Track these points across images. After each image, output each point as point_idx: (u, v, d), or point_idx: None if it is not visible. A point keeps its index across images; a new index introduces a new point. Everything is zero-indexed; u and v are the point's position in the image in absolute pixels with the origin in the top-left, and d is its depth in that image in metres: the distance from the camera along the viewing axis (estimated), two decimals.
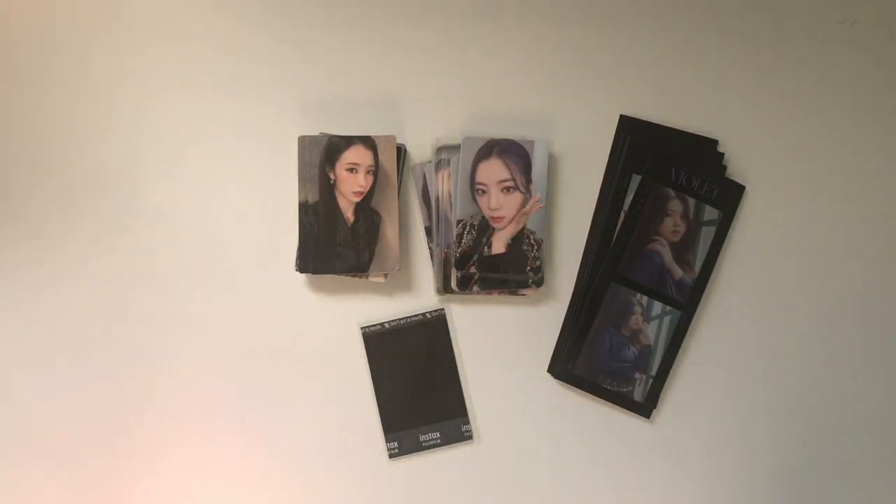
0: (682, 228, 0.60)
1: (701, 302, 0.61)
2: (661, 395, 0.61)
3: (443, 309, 0.61)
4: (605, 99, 0.61)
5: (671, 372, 0.61)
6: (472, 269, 0.59)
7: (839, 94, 0.62)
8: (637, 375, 0.60)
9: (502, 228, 0.59)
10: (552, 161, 0.61)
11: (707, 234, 0.60)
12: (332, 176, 0.59)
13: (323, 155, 0.58)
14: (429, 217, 0.60)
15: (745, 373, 0.61)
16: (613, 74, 0.61)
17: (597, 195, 0.61)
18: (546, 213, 0.60)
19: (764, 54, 0.62)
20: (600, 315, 0.60)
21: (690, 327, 0.61)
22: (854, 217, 0.62)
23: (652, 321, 0.60)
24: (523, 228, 0.59)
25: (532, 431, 0.61)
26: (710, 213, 0.60)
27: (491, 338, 0.61)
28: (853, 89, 0.62)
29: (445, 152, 0.60)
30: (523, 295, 0.60)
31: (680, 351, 0.61)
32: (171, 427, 0.61)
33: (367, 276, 0.59)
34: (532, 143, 0.59)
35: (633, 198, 0.60)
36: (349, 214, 0.59)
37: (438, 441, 0.61)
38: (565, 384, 0.61)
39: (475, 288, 0.59)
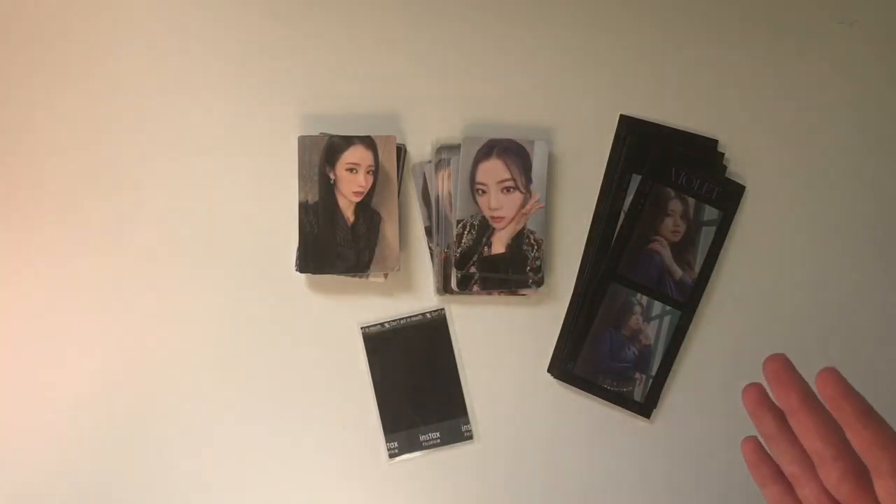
0: (682, 228, 0.60)
1: (701, 302, 0.61)
2: (661, 395, 0.61)
3: (443, 309, 0.61)
4: (605, 99, 0.61)
5: (671, 372, 0.61)
6: (472, 269, 0.59)
7: (839, 94, 0.62)
8: (637, 375, 0.60)
9: (502, 228, 0.59)
10: (552, 161, 0.61)
11: (707, 234, 0.60)
12: (332, 176, 0.59)
13: (323, 155, 0.59)
14: (429, 217, 0.60)
15: (745, 373, 0.61)
16: (613, 74, 0.61)
17: (597, 195, 0.61)
18: (546, 213, 0.60)
19: (764, 54, 0.62)
20: (600, 315, 0.60)
21: (690, 327, 0.61)
22: (855, 217, 0.62)
23: (652, 321, 0.60)
24: (523, 228, 0.59)
25: (532, 431, 0.61)
26: (710, 213, 0.60)
27: (491, 338, 0.61)
28: (853, 89, 0.62)
29: (445, 152, 0.60)
30: (523, 295, 0.60)
31: (680, 351, 0.61)
32: (170, 427, 0.60)
33: (367, 276, 0.59)
34: (532, 143, 0.59)
35: (633, 198, 0.60)
36: (349, 214, 0.59)
37: (438, 441, 0.61)
38: (565, 384, 0.61)
39: (475, 288, 0.59)
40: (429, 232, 0.61)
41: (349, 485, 0.61)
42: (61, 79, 0.60)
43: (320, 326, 0.61)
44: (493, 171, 0.59)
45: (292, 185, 0.59)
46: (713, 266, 0.61)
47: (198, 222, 0.61)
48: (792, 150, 0.62)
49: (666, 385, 0.61)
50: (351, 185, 0.59)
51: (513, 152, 0.59)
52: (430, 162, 0.60)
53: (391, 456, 0.61)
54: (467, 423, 0.61)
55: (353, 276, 0.59)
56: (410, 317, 0.61)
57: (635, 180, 0.60)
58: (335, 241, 0.58)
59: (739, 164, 0.61)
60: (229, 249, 0.60)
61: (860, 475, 0.36)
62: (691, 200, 0.60)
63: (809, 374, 0.64)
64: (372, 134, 0.59)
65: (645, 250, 0.60)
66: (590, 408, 0.61)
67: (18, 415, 0.59)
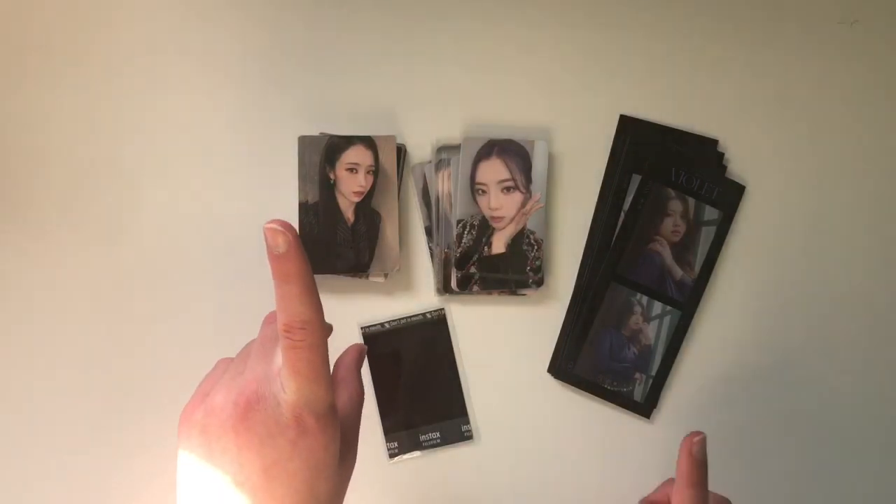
0: (682, 228, 0.60)
1: (701, 302, 0.61)
2: (661, 395, 0.61)
3: (443, 309, 0.61)
4: (605, 99, 0.61)
5: (671, 372, 0.61)
6: (472, 269, 0.59)
7: (839, 94, 0.62)
8: (637, 375, 0.60)
9: (502, 228, 0.59)
10: (552, 161, 0.61)
11: (707, 234, 0.60)
12: (332, 176, 0.59)
13: (323, 155, 0.58)
14: (429, 217, 0.60)
15: (746, 373, 0.61)
16: (613, 74, 0.61)
17: (597, 195, 0.61)
18: (546, 213, 0.60)
19: (764, 54, 0.62)
20: (600, 315, 0.60)
21: (690, 327, 0.61)
22: (854, 217, 0.62)
23: (652, 321, 0.60)
24: (523, 228, 0.59)
25: (532, 431, 0.61)
26: (710, 213, 0.60)
27: (491, 338, 0.61)
28: (853, 89, 0.62)
29: (445, 152, 0.60)
30: (523, 295, 0.60)
31: (680, 351, 0.61)
32: (172, 427, 0.60)
33: (367, 276, 0.59)
34: (532, 142, 0.59)
35: (633, 198, 0.60)
36: (349, 214, 0.59)
37: (438, 441, 0.61)
38: (565, 384, 0.61)
39: (475, 288, 0.59)
40: (429, 232, 0.61)
41: (349, 485, 0.61)
42: (61, 79, 0.60)
43: None
44: (493, 171, 0.59)
45: (292, 185, 0.59)
46: (713, 266, 0.61)
47: (197, 222, 0.60)
48: (792, 150, 0.62)
49: (666, 385, 0.61)
50: (351, 185, 0.59)
51: (513, 152, 0.59)
52: (430, 162, 0.60)
53: (391, 456, 0.61)
54: (467, 423, 0.61)
55: (353, 276, 0.59)
56: (410, 317, 0.61)
57: (635, 180, 0.60)
58: (335, 241, 0.58)
59: (739, 164, 0.61)
60: (229, 249, 0.60)
61: None
62: (691, 200, 0.60)
63: (808, 375, 0.64)
64: (372, 134, 0.59)
65: (645, 250, 0.60)
66: (590, 408, 0.61)
67: (17, 414, 0.59)
